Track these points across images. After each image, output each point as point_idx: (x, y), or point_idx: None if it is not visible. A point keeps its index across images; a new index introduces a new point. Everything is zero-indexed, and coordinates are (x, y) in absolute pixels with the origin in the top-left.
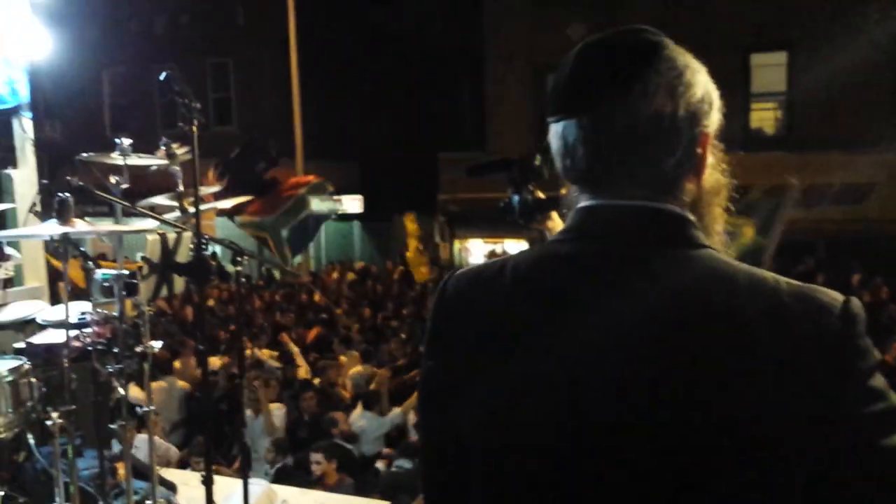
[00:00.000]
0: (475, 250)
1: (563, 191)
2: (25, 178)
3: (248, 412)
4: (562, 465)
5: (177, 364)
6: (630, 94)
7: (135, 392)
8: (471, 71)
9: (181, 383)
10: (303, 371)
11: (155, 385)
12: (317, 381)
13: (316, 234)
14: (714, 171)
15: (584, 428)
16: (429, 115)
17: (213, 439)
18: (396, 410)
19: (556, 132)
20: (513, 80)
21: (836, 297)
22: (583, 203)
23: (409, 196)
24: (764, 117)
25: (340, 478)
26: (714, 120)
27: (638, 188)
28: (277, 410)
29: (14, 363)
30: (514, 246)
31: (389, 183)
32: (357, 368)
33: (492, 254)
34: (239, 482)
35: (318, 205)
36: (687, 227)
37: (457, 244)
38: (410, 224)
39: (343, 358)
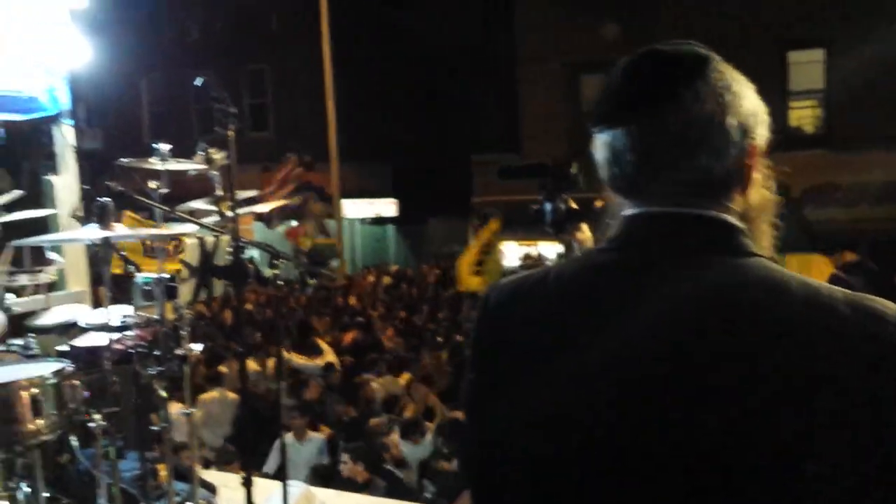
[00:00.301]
0: (509, 253)
1: (599, 203)
2: (66, 184)
3: (290, 436)
4: (604, 473)
5: (223, 369)
6: (680, 100)
7: (176, 408)
8: (503, 73)
9: (232, 395)
10: (330, 356)
11: (207, 396)
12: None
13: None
14: (761, 187)
15: (628, 436)
16: (462, 118)
17: (252, 442)
18: (429, 436)
19: (602, 142)
20: (545, 82)
21: (891, 305)
22: (629, 211)
23: (443, 199)
24: (802, 115)
25: (371, 479)
26: (762, 134)
27: (686, 196)
28: (316, 438)
29: (57, 366)
30: (549, 248)
31: (423, 186)
32: (378, 384)
33: (526, 256)
34: (278, 484)
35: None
36: (736, 235)
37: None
38: (493, 225)
39: (375, 385)
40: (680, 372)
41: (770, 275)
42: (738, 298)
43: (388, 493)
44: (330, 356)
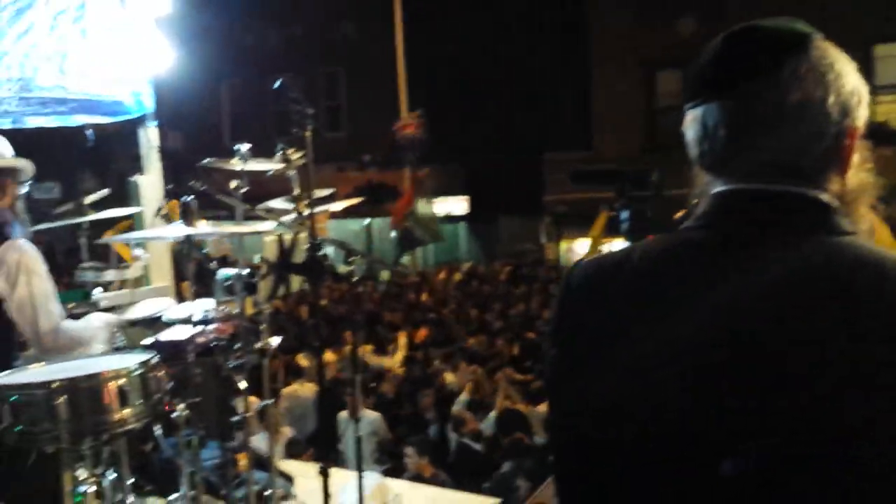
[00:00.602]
0: (582, 251)
1: (678, 214)
2: (151, 183)
3: (344, 414)
4: (688, 452)
5: (303, 361)
6: (779, 76)
7: (255, 401)
8: (577, 70)
9: (310, 386)
10: (399, 355)
11: (289, 389)
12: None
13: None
14: (860, 170)
15: (712, 416)
16: (534, 115)
17: (331, 432)
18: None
19: (694, 117)
20: (620, 78)
21: None
22: (718, 188)
23: (515, 197)
24: (889, 111)
25: (435, 473)
26: (862, 115)
27: (779, 175)
28: (371, 414)
29: (143, 357)
30: (623, 247)
31: (494, 184)
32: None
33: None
34: (353, 475)
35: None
36: (830, 214)
37: (563, 245)
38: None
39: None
40: (803, 357)
41: (864, 254)
42: (846, 280)
43: (464, 466)
44: (403, 352)
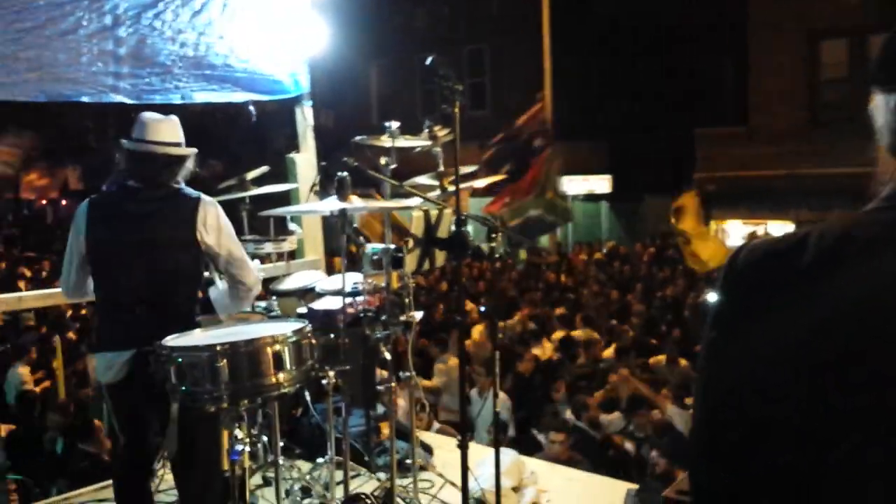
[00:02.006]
0: (733, 232)
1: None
2: (306, 161)
3: (473, 392)
4: (848, 441)
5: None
6: None
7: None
8: (733, 39)
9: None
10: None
11: (450, 364)
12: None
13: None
14: None
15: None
16: (684, 89)
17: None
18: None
19: (892, 101)
20: (780, 49)
21: None
22: None
23: (661, 175)
24: None
25: (572, 455)
26: None
27: None
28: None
29: (297, 325)
30: (778, 228)
31: (640, 161)
32: (609, 352)
33: (752, 235)
34: (490, 450)
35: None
36: None
37: (713, 225)
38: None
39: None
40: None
41: None
42: None
43: (574, 447)
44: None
